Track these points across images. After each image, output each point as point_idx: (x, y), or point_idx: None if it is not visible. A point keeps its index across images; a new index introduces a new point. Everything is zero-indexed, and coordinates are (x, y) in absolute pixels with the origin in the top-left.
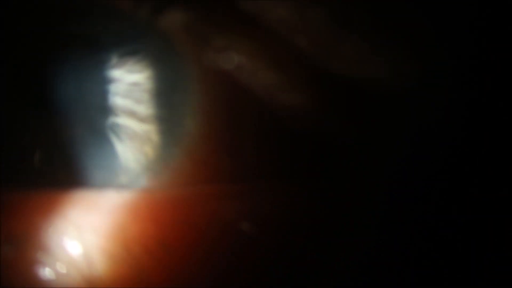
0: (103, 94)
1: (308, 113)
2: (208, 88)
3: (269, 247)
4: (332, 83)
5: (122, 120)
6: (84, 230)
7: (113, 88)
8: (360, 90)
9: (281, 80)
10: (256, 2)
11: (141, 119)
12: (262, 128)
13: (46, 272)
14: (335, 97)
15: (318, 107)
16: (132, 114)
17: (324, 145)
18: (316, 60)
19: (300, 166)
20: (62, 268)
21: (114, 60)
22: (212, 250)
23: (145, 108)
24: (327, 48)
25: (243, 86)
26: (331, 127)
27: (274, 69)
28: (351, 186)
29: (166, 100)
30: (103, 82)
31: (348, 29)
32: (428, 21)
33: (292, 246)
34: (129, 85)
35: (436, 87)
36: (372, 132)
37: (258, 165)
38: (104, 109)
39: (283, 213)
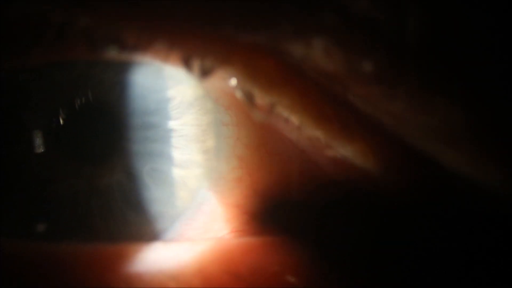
0: (141, 140)
1: (356, 171)
2: (244, 134)
3: None
4: (383, 139)
5: (159, 166)
6: (132, 283)
7: (151, 134)
8: (412, 147)
9: (328, 135)
10: (306, 61)
11: (177, 165)
12: (303, 179)
13: None
14: (386, 153)
15: (368, 164)
16: (168, 159)
17: (373, 206)
18: (366, 115)
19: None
20: None
21: (151, 106)
22: None
23: (181, 154)
24: (377, 103)
25: (288, 137)
26: (382, 187)
27: (321, 123)
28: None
29: (201, 146)
30: (141, 128)
31: (400, 84)
32: (484, 74)
33: None
34: (166, 131)
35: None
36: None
37: (297, 218)
38: (142, 155)
39: (325, 267)
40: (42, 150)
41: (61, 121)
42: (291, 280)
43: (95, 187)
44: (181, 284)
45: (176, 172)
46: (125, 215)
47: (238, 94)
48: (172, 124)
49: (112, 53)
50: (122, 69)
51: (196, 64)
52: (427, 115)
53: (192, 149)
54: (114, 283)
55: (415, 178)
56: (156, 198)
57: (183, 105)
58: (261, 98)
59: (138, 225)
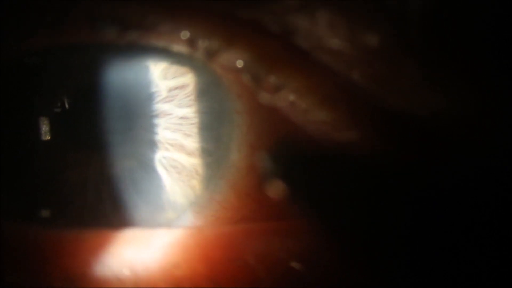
0: (153, 128)
1: (362, 151)
2: (256, 122)
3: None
4: (389, 118)
5: (170, 154)
6: (136, 269)
7: (162, 121)
8: (419, 125)
9: (335, 117)
10: (310, 38)
11: (189, 153)
12: (312, 165)
13: None
14: (392, 133)
15: (374, 145)
16: (180, 147)
17: (378, 184)
18: (371, 95)
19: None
20: None
21: (163, 94)
22: None
23: (193, 142)
24: (383, 82)
25: (295, 121)
26: (387, 166)
27: (327, 106)
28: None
29: (213, 133)
30: (153, 116)
31: (405, 61)
32: (487, 51)
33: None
34: (178, 119)
35: (496, 118)
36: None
37: (306, 203)
38: (153, 143)
39: (331, 251)
40: (52, 137)
41: (71, 108)
42: (296, 266)
43: (105, 175)
44: (185, 271)
45: (188, 160)
46: (135, 204)
47: (245, 76)
48: (184, 111)
49: (115, 34)
50: (133, 55)
51: (202, 45)
52: (433, 91)
53: (204, 137)
54: (118, 269)
55: (420, 155)
56: (168, 186)
57: (196, 93)
58: (268, 80)
59: (148, 214)
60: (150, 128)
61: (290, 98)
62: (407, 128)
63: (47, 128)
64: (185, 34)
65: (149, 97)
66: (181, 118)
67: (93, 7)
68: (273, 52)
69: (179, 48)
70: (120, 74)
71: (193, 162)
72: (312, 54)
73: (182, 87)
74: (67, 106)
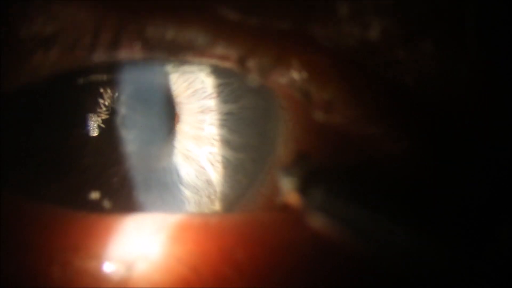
0: (199, 123)
1: (410, 163)
2: (301, 118)
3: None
4: (441, 131)
5: (216, 149)
6: (194, 254)
7: (208, 117)
8: (472, 140)
9: (387, 127)
10: (363, 50)
11: (235, 148)
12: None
13: None
14: (443, 147)
15: (424, 156)
16: (226, 143)
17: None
18: (426, 103)
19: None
20: None
21: (208, 90)
22: (318, 273)
23: (238, 137)
24: (437, 86)
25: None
26: (433, 180)
27: (380, 117)
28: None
29: (259, 129)
30: (199, 112)
31: (460, 64)
32: None
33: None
34: (223, 115)
35: None
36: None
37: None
38: (199, 139)
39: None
40: (101, 133)
41: (119, 104)
42: (354, 254)
43: (153, 170)
44: (243, 254)
45: (234, 156)
46: (183, 199)
47: (296, 93)
48: (229, 107)
49: (167, 55)
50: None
51: (253, 64)
52: (488, 98)
53: (250, 132)
54: (179, 254)
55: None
56: (214, 181)
57: (241, 89)
58: (318, 95)
59: (196, 208)
60: (195, 124)
61: (340, 110)
62: (461, 137)
63: (96, 125)
64: (236, 54)
65: (195, 94)
66: (227, 113)
67: (144, 29)
68: (325, 67)
69: (229, 65)
70: (167, 72)
71: (239, 158)
72: (364, 65)
73: (227, 83)
74: (115, 102)
